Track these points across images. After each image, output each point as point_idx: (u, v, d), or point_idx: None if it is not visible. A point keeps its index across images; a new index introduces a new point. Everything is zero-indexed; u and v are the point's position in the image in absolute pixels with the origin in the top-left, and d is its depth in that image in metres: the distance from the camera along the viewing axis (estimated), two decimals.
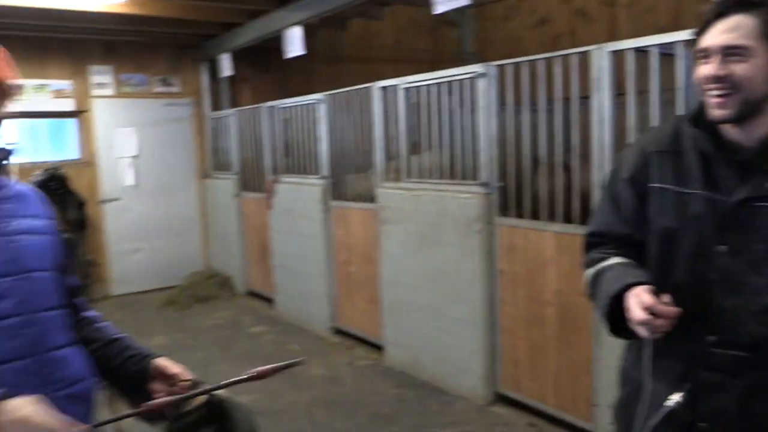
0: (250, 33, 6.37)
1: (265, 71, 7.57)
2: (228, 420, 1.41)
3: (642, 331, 1.43)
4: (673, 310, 1.40)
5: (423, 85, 4.30)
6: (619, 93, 3.23)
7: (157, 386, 1.49)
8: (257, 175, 6.50)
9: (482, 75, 3.80)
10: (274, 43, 6.06)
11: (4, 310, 1.32)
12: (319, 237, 5.40)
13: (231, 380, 1.35)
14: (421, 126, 4.36)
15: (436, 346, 4.25)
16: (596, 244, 1.76)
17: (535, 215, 3.65)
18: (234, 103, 7.46)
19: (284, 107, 5.92)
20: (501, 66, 3.77)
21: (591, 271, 1.72)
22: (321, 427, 3.81)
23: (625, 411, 1.70)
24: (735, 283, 1.52)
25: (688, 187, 1.58)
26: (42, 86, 6.64)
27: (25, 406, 1.10)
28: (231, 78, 7.25)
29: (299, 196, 5.63)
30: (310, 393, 4.26)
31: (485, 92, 3.79)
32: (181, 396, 1.37)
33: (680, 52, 2.93)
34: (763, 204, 1.49)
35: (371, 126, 4.77)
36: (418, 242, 4.30)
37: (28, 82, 6.44)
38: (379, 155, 4.70)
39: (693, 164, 1.58)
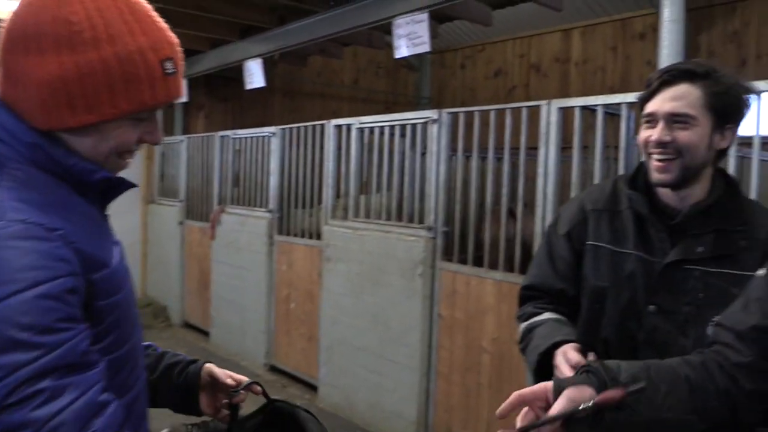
0: (210, 62, 6.33)
1: (222, 100, 7.51)
2: (291, 427, 1.32)
3: None
4: None
5: (377, 126, 4.33)
6: (564, 147, 3.31)
7: (205, 397, 1.35)
8: (203, 203, 6.37)
9: (435, 121, 3.84)
10: (232, 73, 6.03)
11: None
12: (261, 271, 5.29)
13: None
14: (372, 166, 4.37)
15: (371, 389, 4.17)
16: (531, 297, 1.76)
17: (477, 262, 3.66)
18: (186, 130, 7.36)
19: (237, 137, 5.86)
20: (454, 113, 3.83)
21: (524, 325, 1.72)
22: None
23: None
24: (662, 343, 1.54)
25: (622, 247, 1.60)
26: None
27: None
28: (185, 104, 7.17)
29: (244, 228, 5.54)
30: None
31: (437, 138, 3.83)
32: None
33: (624, 113, 3.03)
34: (692, 267, 1.52)
35: (322, 163, 4.76)
36: (360, 282, 4.25)
37: None
38: (328, 192, 4.68)
39: (629, 224, 1.61)
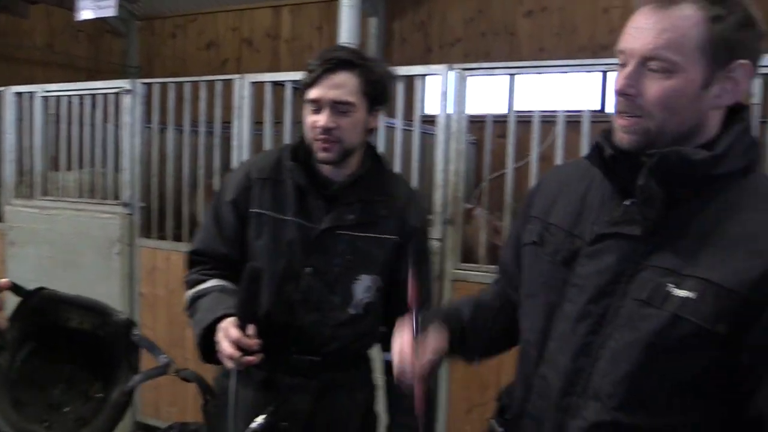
0: None
1: None
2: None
3: (229, 363, 1.51)
4: (255, 342, 1.49)
5: (65, 95, 3.98)
6: (257, 121, 3.41)
7: None
8: None
9: (129, 91, 3.67)
10: None
11: None
12: None
13: None
14: (61, 140, 4.02)
15: None
16: (198, 262, 1.81)
17: (178, 237, 3.63)
18: None
19: None
20: (148, 84, 3.69)
21: (190, 293, 1.76)
22: None
23: (219, 418, 1.77)
24: (316, 301, 1.72)
25: (284, 214, 1.73)
26: None
27: None
28: None
29: None
30: None
31: (131, 109, 3.67)
32: None
33: None
34: (343, 232, 1.71)
35: (1, 135, 4.23)
36: (52, 266, 3.91)
37: None
38: (8, 169, 4.18)
39: (290, 193, 1.74)
